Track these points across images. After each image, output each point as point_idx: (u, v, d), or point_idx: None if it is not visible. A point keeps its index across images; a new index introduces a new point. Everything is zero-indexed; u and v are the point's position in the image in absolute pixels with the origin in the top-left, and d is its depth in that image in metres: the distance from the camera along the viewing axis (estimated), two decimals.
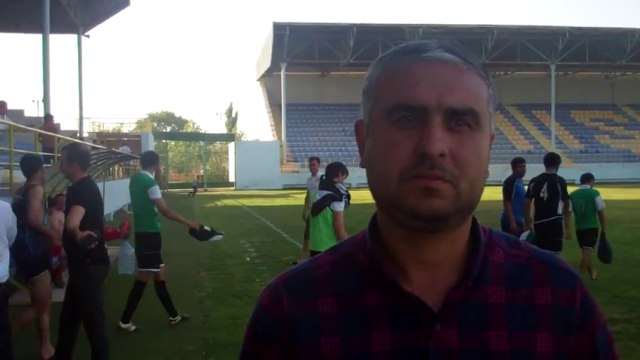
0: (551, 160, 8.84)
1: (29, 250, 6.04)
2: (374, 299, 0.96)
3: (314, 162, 10.73)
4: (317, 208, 6.70)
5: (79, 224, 5.17)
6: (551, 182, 8.58)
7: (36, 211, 6.03)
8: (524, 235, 8.79)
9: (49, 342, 6.16)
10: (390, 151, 0.89)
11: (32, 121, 22.20)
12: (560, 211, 8.60)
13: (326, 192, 6.68)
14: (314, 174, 10.62)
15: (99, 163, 15.43)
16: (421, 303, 0.93)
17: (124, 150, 29.48)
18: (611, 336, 1.03)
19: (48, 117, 18.86)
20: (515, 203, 8.90)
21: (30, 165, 6.35)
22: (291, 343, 0.98)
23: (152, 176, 7.48)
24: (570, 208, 9.01)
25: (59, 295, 6.61)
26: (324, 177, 7.25)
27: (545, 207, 8.58)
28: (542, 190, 8.60)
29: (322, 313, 0.97)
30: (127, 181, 33.06)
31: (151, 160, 7.69)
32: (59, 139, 15.76)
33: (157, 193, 7.29)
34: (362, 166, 0.98)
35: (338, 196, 6.60)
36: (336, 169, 6.85)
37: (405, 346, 0.93)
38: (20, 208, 5.86)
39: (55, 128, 18.95)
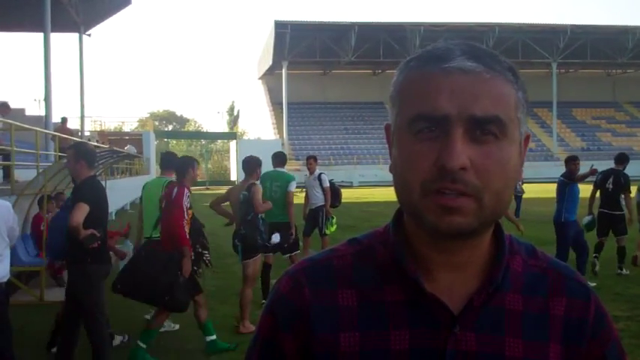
0: (621, 159, 10.25)
1: (263, 236, 7.20)
2: (393, 296, 0.96)
3: (311, 161, 10.70)
4: None
5: (82, 221, 5.17)
6: (617, 176, 9.96)
7: (260, 202, 7.20)
8: (586, 220, 9.95)
9: (248, 319, 7.03)
10: (411, 163, 0.88)
11: (34, 120, 22.21)
12: (622, 202, 10.01)
13: None
14: (311, 173, 10.61)
15: (101, 162, 15.44)
16: (442, 304, 0.93)
17: (130, 150, 29.60)
18: (623, 350, 1.04)
19: (64, 120, 20.41)
20: (568, 201, 9.19)
21: (251, 165, 7.62)
22: (310, 333, 0.97)
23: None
24: (637, 199, 10.60)
25: (60, 294, 6.62)
26: None
27: (610, 197, 10.01)
28: (609, 182, 9.97)
29: (342, 306, 0.97)
30: (129, 180, 32.96)
31: (284, 159, 9.04)
32: (62, 139, 15.79)
33: (294, 187, 8.71)
34: (390, 171, 0.97)
35: None
36: None
37: (423, 346, 0.93)
38: (247, 202, 7.19)
39: (71, 131, 20.22)
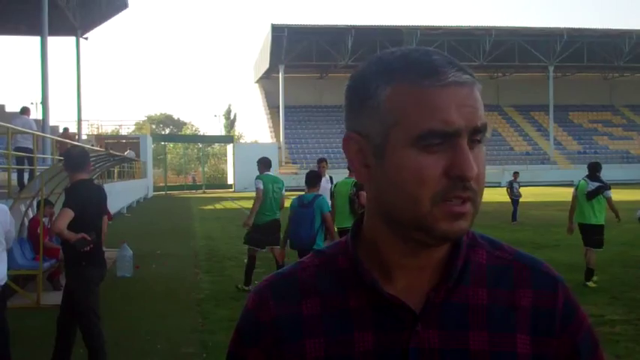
0: None
1: None
2: (356, 301, 0.98)
3: (323, 164, 10.66)
4: (592, 194, 9.54)
5: (65, 227, 5.17)
6: None
7: None
8: (639, 213, 10.93)
9: None
10: (420, 176, 0.89)
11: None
12: None
13: (598, 183, 9.60)
14: (323, 175, 10.64)
15: (97, 166, 15.43)
16: (402, 304, 0.95)
17: (130, 154, 29.74)
18: (596, 338, 1.04)
19: (66, 130, 22.41)
20: None
21: None
22: (277, 344, 1.00)
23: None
24: None
25: (57, 298, 6.61)
26: (588, 174, 9.90)
27: None
28: None
29: (306, 315, 1.00)
30: (126, 183, 32.99)
31: (271, 163, 9.86)
32: (60, 144, 15.81)
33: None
34: (364, 181, 0.98)
35: (607, 186, 9.61)
36: (598, 168, 9.85)
37: (386, 347, 0.95)
38: None
39: (71, 136, 21.65)
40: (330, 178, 10.75)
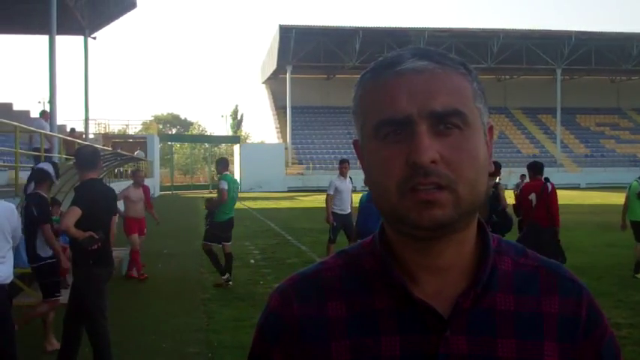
0: None
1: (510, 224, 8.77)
2: (382, 303, 0.97)
3: (345, 164, 10.68)
4: None
5: (72, 225, 5.19)
6: None
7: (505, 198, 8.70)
8: None
9: None
10: (384, 167, 0.91)
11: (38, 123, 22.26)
12: None
13: None
14: (345, 177, 10.67)
15: (104, 165, 15.47)
16: (431, 309, 0.94)
17: (139, 155, 29.94)
18: (619, 347, 1.03)
19: (72, 130, 23.43)
20: None
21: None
22: (300, 346, 0.98)
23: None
24: None
25: (63, 296, 6.62)
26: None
27: None
28: None
29: (332, 317, 0.98)
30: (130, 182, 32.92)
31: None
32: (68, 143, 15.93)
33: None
34: (365, 184, 1.00)
35: None
36: None
37: (413, 352, 0.94)
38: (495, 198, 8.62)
39: (78, 136, 22.99)
40: (350, 178, 10.77)
